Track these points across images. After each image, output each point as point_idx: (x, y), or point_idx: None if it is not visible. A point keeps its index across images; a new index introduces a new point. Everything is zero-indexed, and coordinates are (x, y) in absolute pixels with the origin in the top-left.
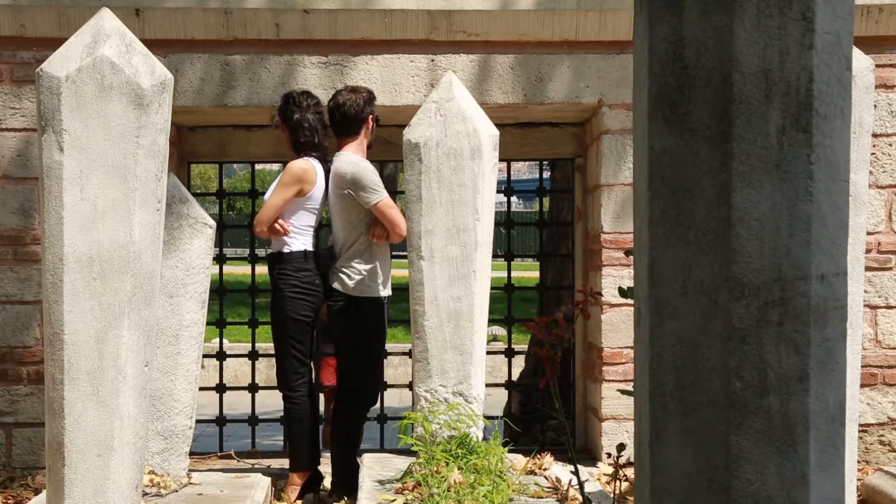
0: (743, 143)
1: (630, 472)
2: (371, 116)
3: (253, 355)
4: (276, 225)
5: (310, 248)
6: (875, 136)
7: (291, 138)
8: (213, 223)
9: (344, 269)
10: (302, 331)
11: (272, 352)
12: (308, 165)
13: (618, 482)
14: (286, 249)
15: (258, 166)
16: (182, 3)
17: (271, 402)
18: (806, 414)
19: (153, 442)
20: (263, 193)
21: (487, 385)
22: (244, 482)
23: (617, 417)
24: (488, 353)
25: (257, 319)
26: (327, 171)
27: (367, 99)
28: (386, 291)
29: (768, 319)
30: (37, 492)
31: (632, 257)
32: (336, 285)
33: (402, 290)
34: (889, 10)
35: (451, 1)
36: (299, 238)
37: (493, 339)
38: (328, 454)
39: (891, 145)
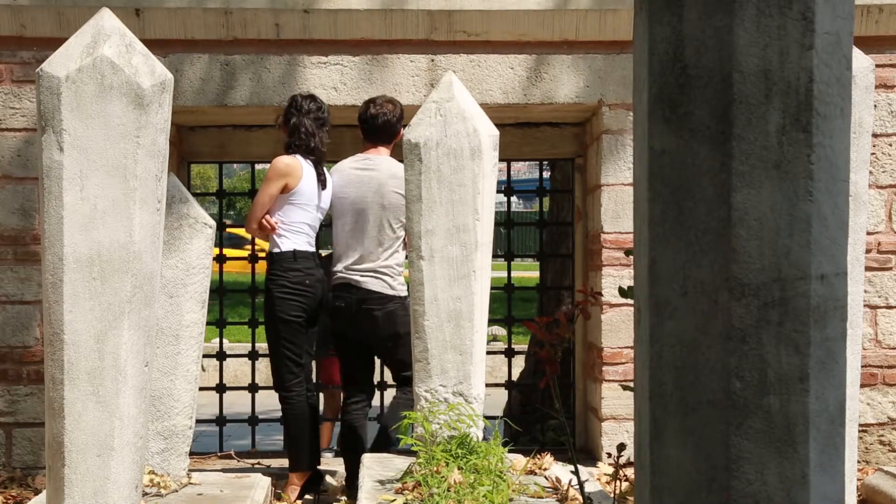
0: (743, 143)
1: (630, 472)
2: (401, 131)
3: (253, 355)
4: (264, 221)
5: (301, 247)
6: (875, 136)
7: (287, 140)
8: (213, 223)
9: (384, 272)
10: (293, 331)
11: None
12: (293, 161)
13: (618, 482)
14: (276, 250)
15: (258, 166)
16: (182, 3)
17: (271, 402)
18: (806, 414)
19: (153, 442)
20: None
21: (487, 385)
22: (244, 482)
23: (617, 417)
24: (488, 353)
25: (257, 319)
26: (321, 175)
27: (402, 113)
28: None
29: (768, 319)
30: (37, 492)
31: (632, 257)
32: (377, 288)
33: None
34: (889, 10)
35: (451, 1)
36: (290, 238)
37: (493, 339)
38: (328, 454)
39: (891, 145)
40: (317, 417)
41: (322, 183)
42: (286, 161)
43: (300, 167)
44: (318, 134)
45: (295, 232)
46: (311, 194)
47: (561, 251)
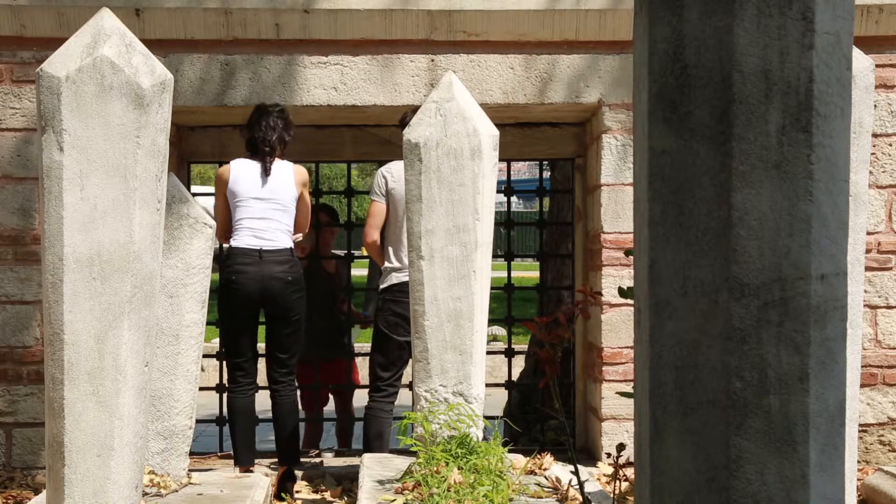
0: (743, 143)
1: (630, 472)
2: None
3: None
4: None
5: (237, 244)
6: (875, 136)
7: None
8: (213, 223)
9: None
10: (225, 328)
11: None
12: (223, 168)
13: (618, 482)
14: None
15: None
16: (182, 3)
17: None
18: (806, 414)
19: (153, 442)
20: None
21: (487, 385)
22: (244, 482)
23: (617, 417)
24: (488, 353)
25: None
26: (266, 167)
27: None
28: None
29: (768, 319)
30: (37, 492)
31: (632, 257)
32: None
33: None
34: (889, 10)
35: (451, 1)
36: (234, 237)
37: (493, 339)
38: (327, 454)
39: (891, 145)
40: (254, 416)
41: (264, 178)
42: (218, 172)
43: (228, 169)
44: (279, 130)
45: (237, 230)
46: (245, 190)
47: (561, 251)
